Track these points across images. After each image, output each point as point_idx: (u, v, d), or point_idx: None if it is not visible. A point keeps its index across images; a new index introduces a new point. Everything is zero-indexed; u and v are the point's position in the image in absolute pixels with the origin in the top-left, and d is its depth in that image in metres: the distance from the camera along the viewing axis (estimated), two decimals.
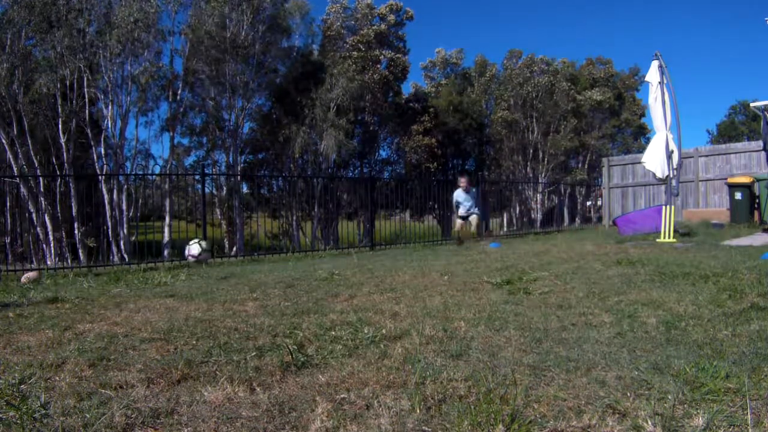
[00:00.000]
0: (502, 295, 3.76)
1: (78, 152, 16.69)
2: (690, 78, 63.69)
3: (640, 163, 9.92)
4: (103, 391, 1.99)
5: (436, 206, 19.82)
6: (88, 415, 1.73)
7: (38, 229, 15.17)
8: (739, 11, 60.34)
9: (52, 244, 15.12)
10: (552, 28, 71.86)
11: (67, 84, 15.31)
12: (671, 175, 7.75)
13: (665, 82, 7.65)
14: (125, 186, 16.67)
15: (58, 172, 15.77)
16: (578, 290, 3.79)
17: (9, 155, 14.96)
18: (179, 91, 18.29)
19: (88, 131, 15.98)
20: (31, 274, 6.46)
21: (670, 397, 1.73)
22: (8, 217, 15.06)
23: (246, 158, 22.32)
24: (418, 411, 1.72)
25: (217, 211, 19.70)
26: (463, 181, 10.28)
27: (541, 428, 1.58)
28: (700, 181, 12.14)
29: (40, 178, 14.83)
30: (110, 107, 16.28)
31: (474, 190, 10.46)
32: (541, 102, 24.80)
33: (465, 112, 25.04)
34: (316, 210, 19.98)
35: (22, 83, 14.99)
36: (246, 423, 1.69)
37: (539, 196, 25.44)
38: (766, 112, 9.19)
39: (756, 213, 9.65)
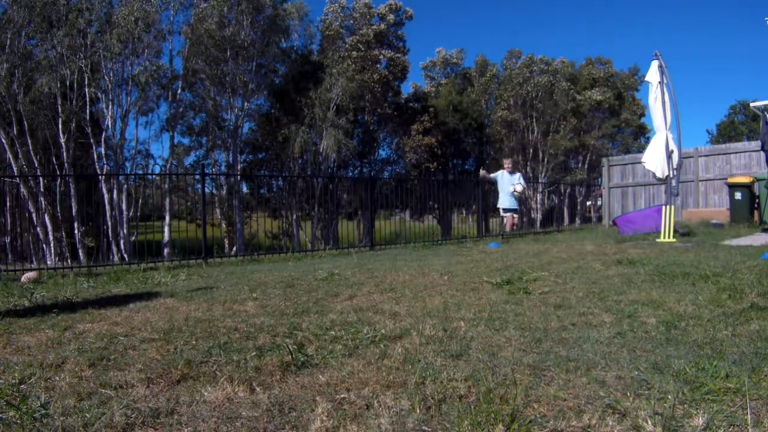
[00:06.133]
0: (502, 295, 3.76)
1: (78, 152, 16.69)
2: (690, 78, 63.84)
3: (640, 163, 9.93)
4: (103, 391, 1.99)
5: (436, 206, 19.83)
6: (88, 415, 1.73)
7: (38, 229, 15.17)
8: (739, 11, 60.39)
9: (52, 244, 15.12)
10: (552, 28, 71.95)
11: (68, 84, 15.31)
12: (671, 175, 7.75)
13: (665, 82, 7.65)
14: (125, 186, 16.67)
15: (58, 172, 15.77)
16: (578, 290, 3.79)
17: (9, 155, 14.96)
18: (179, 91, 18.29)
19: (89, 131, 15.98)
20: (30, 274, 6.46)
21: (670, 397, 1.73)
22: (8, 217, 15.05)
23: (246, 158, 22.33)
24: (418, 411, 1.72)
25: (217, 210, 19.71)
26: (507, 162, 10.57)
27: (541, 428, 1.58)
28: (700, 181, 12.14)
29: (40, 178, 14.83)
30: (110, 107, 16.27)
31: (521, 175, 10.69)
32: (540, 102, 24.81)
33: (465, 111, 25.05)
34: (316, 210, 19.98)
35: (23, 83, 14.99)
36: (246, 423, 1.69)
37: (539, 196, 25.44)
38: (766, 112, 9.19)
39: (756, 213, 9.65)
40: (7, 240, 14.40)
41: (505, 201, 10.28)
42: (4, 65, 14.46)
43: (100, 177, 14.96)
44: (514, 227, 10.20)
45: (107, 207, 15.62)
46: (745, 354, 2.17)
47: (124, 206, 16.40)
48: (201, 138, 21.42)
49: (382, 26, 23.69)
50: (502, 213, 10.48)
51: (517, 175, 10.34)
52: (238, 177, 19.66)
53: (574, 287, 3.91)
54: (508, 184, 10.17)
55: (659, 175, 7.79)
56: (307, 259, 8.05)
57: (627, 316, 2.92)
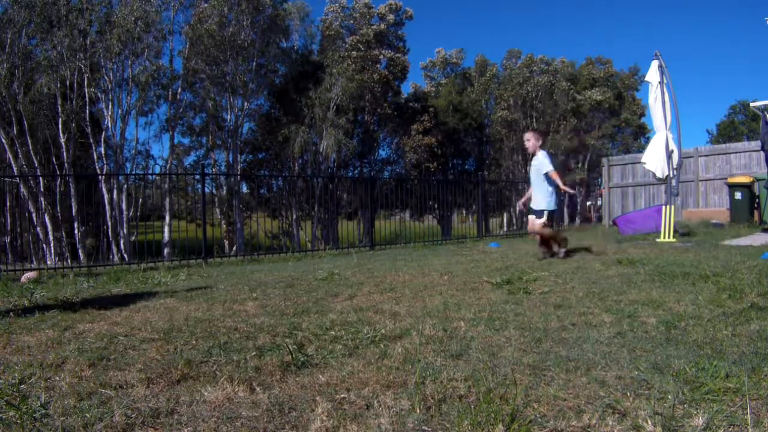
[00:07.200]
0: (502, 295, 3.76)
1: (78, 152, 16.69)
2: (690, 78, 63.85)
3: (640, 163, 9.92)
4: (103, 391, 1.99)
5: (436, 206, 19.83)
6: (88, 415, 1.73)
7: (38, 229, 15.17)
8: (739, 11, 60.40)
9: (52, 244, 15.12)
10: (552, 28, 72.03)
11: (68, 84, 15.30)
12: (671, 175, 7.75)
13: (665, 82, 7.65)
14: (125, 186, 16.67)
15: (58, 172, 15.77)
16: (578, 290, 3.79)
17: (9, 155, 14.96)
18: (179, 91, 18.29)
19: (89, 131, 15.98)
20: (30, 274, 6.46)
21: (670, 396, 1.73)
22: (8, 217, 15.05)
23: (246, 158, 22.33)
24: (418, 411, 1.72)
25: (217, 210, 19.70)
26: (528, 136, 6.35)
27: (541, 428, 1.58)
28: (700, 181, 12.14)
29: (40, 178, 14.83)
30: (110, 107, 16.27)
31: (545, 154, 6.13)
32: (540, 102, 24.79)
33: (465, 111, 25.05)
34: (316, 210, 19.98)
35: (23, 83, 14.99)
36: (246, 423, 1.69)
37: None
38: (766, 112, 9.19)
39: (756, 213, 9.66)
40: (7, 240, 14.39)
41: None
42: (4, 65, 14.46)
43: (100, 177, 14.96)
44: (537, 236, 6.29)
45: (107, 207, 15.62)
46: (745, 354, 2.17)
47: (124, 206, 16.40)
48: (201, 138, 21.42)
49: (382, 26, 23.68)
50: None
51: (540, 154, 6.16)
52: (238, 177, 19.66)
53: (574, 287, 3.91)
54: (533, 173, 6.29)
55: (659, 175, 7.80)
56: (307, 259, 8.05)
57: (627, 316, 2.92)
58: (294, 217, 20.41)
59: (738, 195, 9.84)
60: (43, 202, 15.07)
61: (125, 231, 16.27)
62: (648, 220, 8.69)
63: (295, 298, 3.99)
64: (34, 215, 15.02)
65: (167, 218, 16.97)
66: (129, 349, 2.62)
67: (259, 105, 21.80)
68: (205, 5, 18.15)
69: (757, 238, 7.20)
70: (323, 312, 3.37)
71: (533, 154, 6.23)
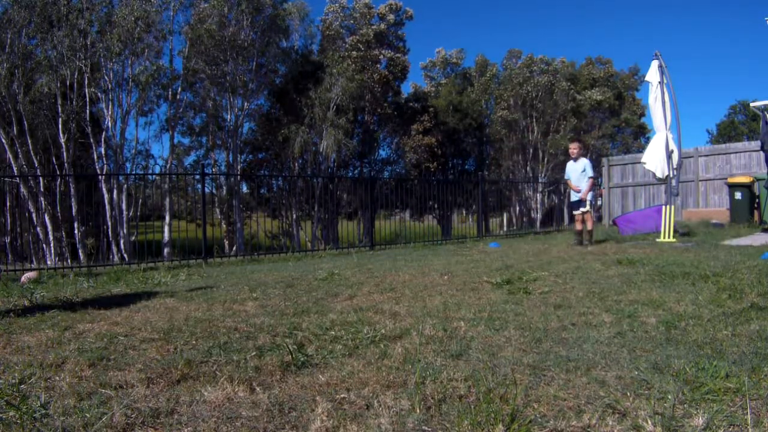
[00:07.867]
0: (502, 295, 3.76)
1: (78, 152, 16.68)
2: (690, 78, 63.84)
3: (640, 163, 9.93)
4: (103, 391, 1.99)
5: (436, 206, 19.83)
6: (88, 415, 1.73)
7: (38, 229, 15.16)
8: (739, 11, 60.40)
9: (52, 244, 15.12)
10: (552, 28, 72.07)
11: (68, 84, 15.29)
12: (671, 175, 7.75)
13: (665, 82, 7.65)
14: (125, 186, 16.66)
15: (58, 172, 15.76)
16: (578, 290, 3.79)
17: (9, 155, 14.96)
18: (179, 91, 18.28)
19: (89, 131, 15.97)
20: (30, 274, 6.46)
21: (670, 396, 1.73)
22: (8, 217, 15.05)
23: (246, 158, 22.33)
24: (418, 411, 1.72)
25: (217, 210, 19.70)
26: (573, 146, 7.97)
27: (541, 428, 1.58)
28: (700, 181, 12.14)
29: (40, 178, 14.83)
30: (111, 107, 16.27)
31: (587, 161, 7.82)
32: (540, 102, 24.77)
33: (465, 111, 25.03)
34: (316, 210, 19.98)
35: (23, 83, 14.98)
36: (246, 423, 1.69)
37: (539, 196, 25.42)
38: (765, 112, 9.19)
39: (756, 213, 9.66)
40: (7, 240, 14.39)
41: (572, 195, 8.05)
42: (4, 65, 14.45)
43: (100, 177, 14.95)
44: (588, 230, 7.73)
45: (107, 207, 15.61)
46: (745, 354, 2.17)
47: (124, 206, 16.38)
48: (201, 138, 21.39)
49: (382, 26, 23.66)
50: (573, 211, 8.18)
51: (582, 162, 7.80)
52: (238, 177, 19.64)
53: (574, 287, 3.91)
54: (574, 175, 7.86)
55: (659, 175, 7.80)
56: (307, 259, 8.05)
57: (627, 316, 2.92)
58: (294, 217, 20.40)
59: (738, 195, 9.84)
60: (43, 202, 15.06)
61: (125, 231, 16.26)
62: (648, 220, 8.70)
63: (295, 298, 3.99)
64: (34, 215, 15.01)
65: (167, 218, 16.96)
66: (129, 349, 2.62)
67: (259, 105, 21.81)
68: (205, 5, 18.14)
69: (757, 238, 7.20)
70: (323, 312, 3.37)
71: (576, 159, 7.81)
